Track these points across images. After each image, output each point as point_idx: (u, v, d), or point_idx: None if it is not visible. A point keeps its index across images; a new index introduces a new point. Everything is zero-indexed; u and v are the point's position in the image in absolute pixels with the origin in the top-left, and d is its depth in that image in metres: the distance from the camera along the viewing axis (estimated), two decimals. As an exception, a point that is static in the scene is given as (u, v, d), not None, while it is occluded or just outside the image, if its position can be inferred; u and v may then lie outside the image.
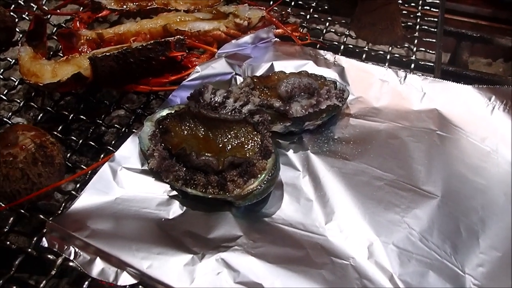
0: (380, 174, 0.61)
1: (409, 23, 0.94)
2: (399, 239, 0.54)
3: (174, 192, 0.58)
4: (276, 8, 0.91)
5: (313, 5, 0.99)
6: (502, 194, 0.60)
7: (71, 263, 0.51)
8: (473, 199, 0.59)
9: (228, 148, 0.57)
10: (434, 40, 0.90)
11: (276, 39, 0.83)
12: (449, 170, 0.63)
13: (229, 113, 0.60)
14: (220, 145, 0.58)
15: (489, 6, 1.23)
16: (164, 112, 0.63)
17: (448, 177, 0.61)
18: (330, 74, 0.75)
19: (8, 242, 0.55)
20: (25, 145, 0.54)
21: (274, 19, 0.82)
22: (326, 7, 0.99)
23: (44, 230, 0.53)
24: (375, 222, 0.55)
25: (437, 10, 0.96)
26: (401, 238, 0.54)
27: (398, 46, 0.88)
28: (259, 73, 0.75)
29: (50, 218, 0.55)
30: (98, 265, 0.50)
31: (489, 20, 1.21)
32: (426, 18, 0.96)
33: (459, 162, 0.64)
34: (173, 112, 0.60)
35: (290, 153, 0.64)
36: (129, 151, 0.62)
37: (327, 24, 0.93)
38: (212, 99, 0.62)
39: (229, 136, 0.58)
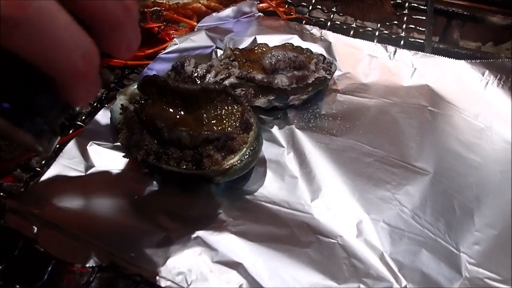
0: (370, 150, 0.58)
1: (398, 1, 0.91)
2: (390, 217, 0.50)
3: (149, 169, 0.53)
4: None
5: (298, -19, 0.95)
6: (497, 171, 0.57)
7: (34, 246, 0.47)
8: (467, 176, 0.56)
9: (206, 121, 0.53)
10: (424, 18, 0.86)
11: (259, 13, 0.79)
12: (441, 147, 0.59)
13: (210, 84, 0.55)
14: (198, 118, 0.53)
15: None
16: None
17: (440, 154, 0.58)
18: (316, 49, 0.71)
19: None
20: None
21: (258, -8, 0.78)
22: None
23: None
24: (364, 199, 0.52)
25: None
26: (392, 216, 0.50)
27: (387, 23, 0.85)
28: (241, 47, 0.71)
29: (12, 196, 0.50)
30: (64, 245, 0.46)
31: (479, 2, 1.18)
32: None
33: (452, 138, 0.61)
34: (152, 77, 0.55)
35: (274, 129, 0.60)
36: (100, 126, 0.58)
37: (313, 1, 0.89)
38: (194, 72, 0.58)
39: (208, 109, 0.54)
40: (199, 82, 0.58)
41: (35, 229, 0.47)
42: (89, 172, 0.53)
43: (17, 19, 0.25)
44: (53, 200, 0.49)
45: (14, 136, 0.29)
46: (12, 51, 0.26)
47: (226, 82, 0.57)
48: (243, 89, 0.56)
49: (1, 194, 0.52)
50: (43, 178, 0.51)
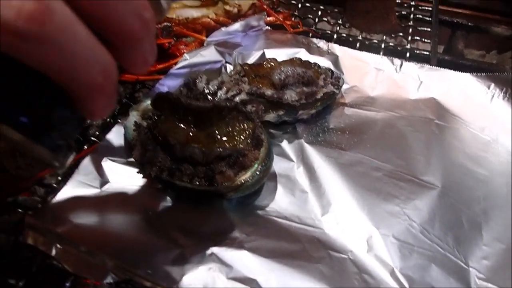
0: (378, 164, 0.59)
1: (403, 12, 0.92)
2: (399, 232, 0.51)
3: (162, 185, 0.55)
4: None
5: (304, -7, 0.96)
6: (503, 185, 0.58)
7: (52, 262, 0.48)
8: (475, 190, 0.57)
9: (218, 138, 0.54)
10: (429, 29, 0.88)
11: (267, 27, 0.80)
12: (448, 160, 0.60)
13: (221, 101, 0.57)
14: (210, 135, 0.54)
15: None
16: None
17: (448, 167, 0.59)
18: (323, 62, 0.73)
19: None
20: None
21: (265, 6, 0.80)
22: (318, -4, 0.97)
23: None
24: (373, 214, 0.53)
25: (430, 8, 0.94)
26: (402, 230, 0.51)
27: (393, 35, 0.86)
28: (250, 61, 0.72)
29: (29, 212, 0.52)
30: (81, 261, 0.47)
31: (483, 11, 1.19)
32: (420, 8, 0.94)
33: (458, 152, 0.62)
34: (164, 93, 0.56)
35: (284, 143, 0.61)
36: (114, 142, 0.59)
37: (320, 13, 0.91)
38: (205, 88, 0.59)
39: (220, 126, 0.55)
40: (211, 98, 0.59)
41: (53, 245, 0.48)
42: (104, 188, 0.54)
43: (38, 35, 0.24)
44: (70, 216, 0.50)
45: (31, 151, 0.29)
46: (31, 65, 0.26)
47: (237, 99, 0.58)
48: (254, 105, 0.57)
49: (19, 210, 0.53)
50: (60, 194, 0.52)
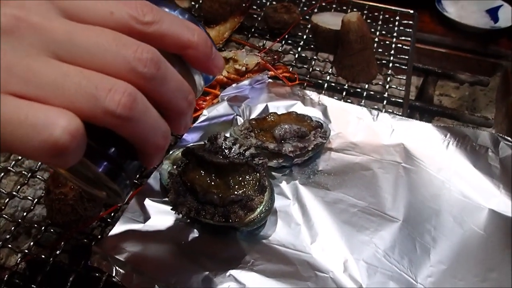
0: (355, 202, 0.76)
1: (383, 61, 1.10)
2: (368, 256, 0.68)
3: (190, 220, 0.72)
4: (271, 49, 1.06)
5: (301, 44, 1.14)
6: (451, 217, 0.76)
7: (113, 279, 0.66)
8: (428, 222, 0.74)
9: (232, 185, 0.71)
10: (404, 78, 1.05)
11: (269, 80, 0.98)
12: (410, 198, 0.77)
13: (235, 156, 0.74)
14: (226, 183, 0.72)
15: (456, 37, 1.40)
16: (180, 150, 0.77)
17: (409, 204, 0.76)
18: (315, 112, 0.90)
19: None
20: (73, 186, 0.69)
21: (268, 64, 0.97)
22: (312, 46, 1.15)
23: (92, 252, 0.67)
24: (349, 242, 0.70)
25: (407, 57, 1.11)
26: (369, 256, 0.69)
27: (373, 84, 1.04)
28: (255, 113, 0.90)
29: (93, 243, 0.70)
30: (135, 279, 0.64)
31: (456, 50, 1.37)
32: (399, 56, 1.12)
33: (418, 190, 0.79)
34: (192, 148, 0.73)
35: (283, 184, 0.79)
36: (152, 185, 0.76)
37: (313, 63, 1.08)
38: (223, 143, 0.76)
39: (234, 176, 0.72)
40: (227, 151, 0.76)
41: (113, 267, 0.66)
42: (147, 223, 0.71)
43: (128, 117, 0.37)
44: (123, 245, 0.68)
45: (108, 186, 0.43)
46: (119, 133, 0.38)
47: (248, 153, 0.76)
48: (260, 158, 0.74)
49: (85, 240, 0.71)
50: (115, 227, 0.70)
